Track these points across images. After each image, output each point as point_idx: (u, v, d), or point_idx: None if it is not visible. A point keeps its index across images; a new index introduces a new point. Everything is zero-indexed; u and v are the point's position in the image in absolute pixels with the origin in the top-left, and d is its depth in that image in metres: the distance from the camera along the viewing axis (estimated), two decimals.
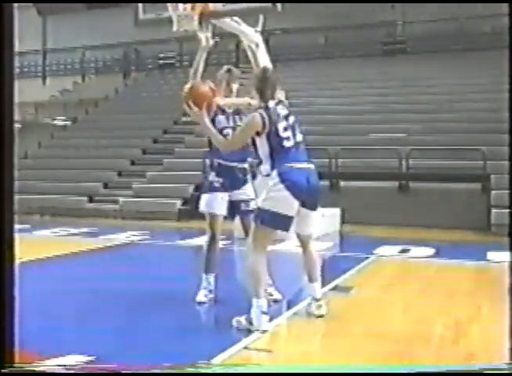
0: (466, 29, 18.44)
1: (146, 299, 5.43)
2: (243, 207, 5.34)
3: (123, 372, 3.28)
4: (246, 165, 5.38)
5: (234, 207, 5.37)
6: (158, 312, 4.99)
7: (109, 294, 5.64)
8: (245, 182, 5.37)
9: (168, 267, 7.46)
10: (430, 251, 8.64)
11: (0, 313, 2.53)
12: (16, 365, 2.70)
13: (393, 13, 19.60)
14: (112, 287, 6.00)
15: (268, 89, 4.60)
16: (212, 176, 5.34)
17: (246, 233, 5.47)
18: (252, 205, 5.31)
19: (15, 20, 2.48)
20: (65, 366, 3.46)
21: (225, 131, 5.25)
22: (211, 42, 5.43)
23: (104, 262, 8.06)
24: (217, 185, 5.31)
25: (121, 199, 14.17)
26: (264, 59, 5.48)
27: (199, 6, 8.20)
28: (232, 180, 5.30)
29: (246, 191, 5.36)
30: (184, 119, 17.23)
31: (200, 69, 5.30)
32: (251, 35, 5.76)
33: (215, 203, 5.30)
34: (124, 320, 4.76)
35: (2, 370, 2.63)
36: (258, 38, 7.02)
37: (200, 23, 8.08)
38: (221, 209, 5.31)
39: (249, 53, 5.61)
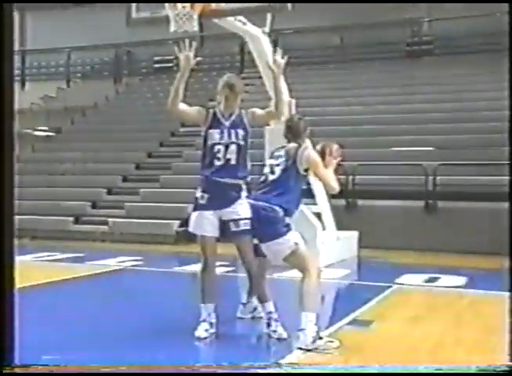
0: (501, 26, 18.36)
1: (137, 335, 5.41)
2: (232, 227, 5.31)
3: (123, 372, 3.48)
4: (239, 181, 5.36)
5: (224, 228, 5.35)
6: (151, 351, 4.93)
7: (96, 328, 5.65)
8: (237, 198, 5.32)
9: (164, 297, 7.45)
10: (462, 280, 8.61)
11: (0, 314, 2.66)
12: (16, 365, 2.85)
13: (418, 10, 19.64)
14: (100, 320, 6.01)
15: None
16: (199, 192, 5.38)
17: (242, 259, 5.50)
18: (242, 225, 5.30)
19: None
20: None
21: (216, 148, 5.28)
22: (193, 62, 5.24)
23: (92, 291, 8.07)
24: (203, 202, 5.33)
25: (111, 220, 14.19)
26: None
27: (199, 4, 8.32)
28: (221, 197, 5.29)
29: (237, 209, 5.31)
30: (182, 130, 17.33)
31: (180, 94, 5.20)
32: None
33: (202, 223, 5.32)
34: (111, 359, 4.74)
35: (3, 371, 2.78)
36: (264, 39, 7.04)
37: (201, 23, 8.22)
38: (210, 230, 5.33)
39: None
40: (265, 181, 5.57)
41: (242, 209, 5.31)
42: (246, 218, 5.31)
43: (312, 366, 4.43)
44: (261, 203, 5.38)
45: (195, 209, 5.41)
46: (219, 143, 5.29)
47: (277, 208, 5.33)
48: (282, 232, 5.29)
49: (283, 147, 5.68)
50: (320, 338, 4.97)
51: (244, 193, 5.37)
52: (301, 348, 4.90)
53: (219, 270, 6.05)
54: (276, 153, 5.67)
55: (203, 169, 5.37)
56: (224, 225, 5.33)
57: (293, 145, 5.59)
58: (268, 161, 5.71)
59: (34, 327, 5.72)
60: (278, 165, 5.53)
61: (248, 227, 5.32)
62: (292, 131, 5.70)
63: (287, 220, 5.38)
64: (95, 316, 6.24)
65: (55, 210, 14.92)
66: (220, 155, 5.29)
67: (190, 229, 5.44)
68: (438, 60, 18.59)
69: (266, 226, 5.31)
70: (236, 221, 5.29)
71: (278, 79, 5.40)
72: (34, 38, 24.89)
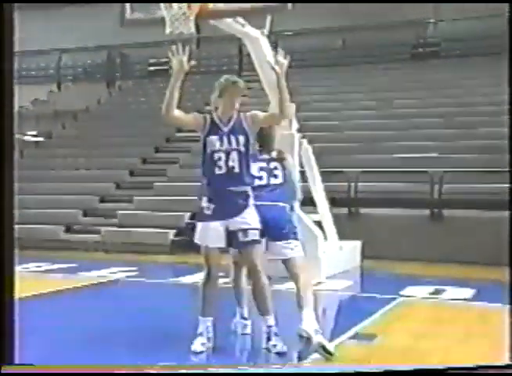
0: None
1: (130, 348, 5.40)
2: (240, 237, 5.27)
3: (123, 372, 3.59)
4: (246, 188, 5.31)
5: (231, 238, 5.31)
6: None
7: (90, 340, 5.64)
8: (245, 207, 5.28)
9: (159, 309, 7.43)
10: (469, 292, 8.60)
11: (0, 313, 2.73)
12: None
13: (424, 10, 19.63)
14: (92, 333, 5.99)
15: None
16: (204, 202, 5.33)
17: (248, 271, 5.50)
18: (251, 235, 5.26)
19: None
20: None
21: (216, 156, 5.23)
22: (187, 67, 5.19)
23: (84, 303, 8.02)
24: (208, 212, 5.28)
25: (104, 228, 14.19)
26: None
27: (196, 5, 8.34)
28: (228, 206, 5.25)
29: (246, 218, 5.27)
30: (178, 135, 17.33)
31: (175, 101, 5.19)
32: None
33: (207, 233, 5.29)
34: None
35: (2, 371, 2.83)
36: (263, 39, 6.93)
37: (197, 24, 8.23)
38: (215, 241, 5.29)
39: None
40: (268, 185, 5.62)
41: (251, 218, 5.27)
42: (255, 229, 5.27)
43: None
44: (268, 203, 5.46)
45: (200, 220, 5.36)
46: (219, 150, 5.23)
47: (286, 209, 5.54)
48: (288, 235, 5.43)
49: (272, 159, 5.73)
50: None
51: (252, 201, 5.32)
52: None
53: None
54: (262, 157, 5.71)
55: (206, 177, 5.32)
56: (232, 235, 5.28)
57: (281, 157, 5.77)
58: (259, 164, 5.68)
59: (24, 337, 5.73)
60: (276, 169, 5.67)
61: (257, 237, 5.28)
62: (265, 140, 5.73)
63: (295, 223, 5.57)
64: (87, 328, 6.21)
65: (45, 218, 14.89)
66: (221, 163, 5.23)
67: (196, 240, 5.40)
68: (444, 63, 18.61)
69: (273, 227, 5.42)
70: (244, 231, 5.25)
71: (281, 80, 5.34)
72: (23, 40, 24.76)
